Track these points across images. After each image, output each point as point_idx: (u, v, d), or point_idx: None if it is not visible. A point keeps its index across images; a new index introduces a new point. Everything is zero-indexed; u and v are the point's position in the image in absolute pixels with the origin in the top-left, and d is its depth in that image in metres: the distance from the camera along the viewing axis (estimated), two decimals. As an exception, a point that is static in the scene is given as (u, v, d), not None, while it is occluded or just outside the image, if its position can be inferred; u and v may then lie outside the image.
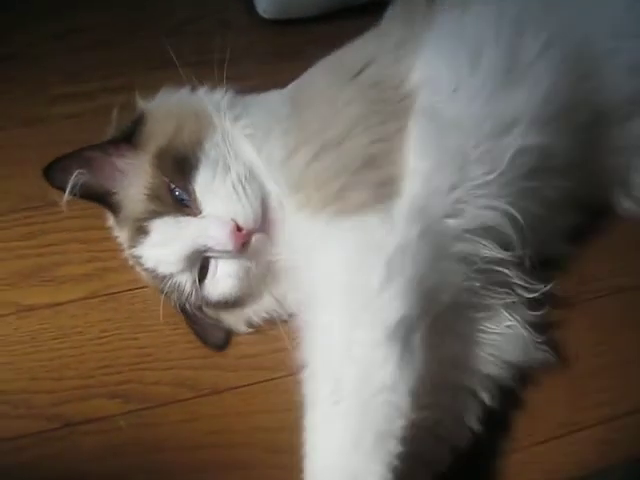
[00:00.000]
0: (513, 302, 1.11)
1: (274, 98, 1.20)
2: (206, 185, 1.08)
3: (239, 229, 1.06)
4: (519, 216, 1.06)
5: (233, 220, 1.06)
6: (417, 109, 1.07)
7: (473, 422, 1.06)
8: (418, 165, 1.04)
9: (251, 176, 1.09)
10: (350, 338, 0.94)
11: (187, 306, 1.15)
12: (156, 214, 1.09)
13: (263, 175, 1.11)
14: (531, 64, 1.09)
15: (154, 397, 1.14)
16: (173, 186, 1.09)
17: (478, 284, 1.08)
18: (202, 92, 1.19)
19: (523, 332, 1.10)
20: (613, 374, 1.17)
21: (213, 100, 1.17)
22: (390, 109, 1.08)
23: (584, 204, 1.25)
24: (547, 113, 1.09)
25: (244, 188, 1.07)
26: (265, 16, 1.76)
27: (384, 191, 1.02)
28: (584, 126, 1.16)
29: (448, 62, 1.10)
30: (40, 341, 1.20)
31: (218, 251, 1.08)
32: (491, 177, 1.05)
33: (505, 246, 1.08)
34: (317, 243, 1.02)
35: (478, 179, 1.04)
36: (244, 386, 1.15)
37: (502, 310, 1.10)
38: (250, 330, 1.20)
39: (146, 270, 1.14)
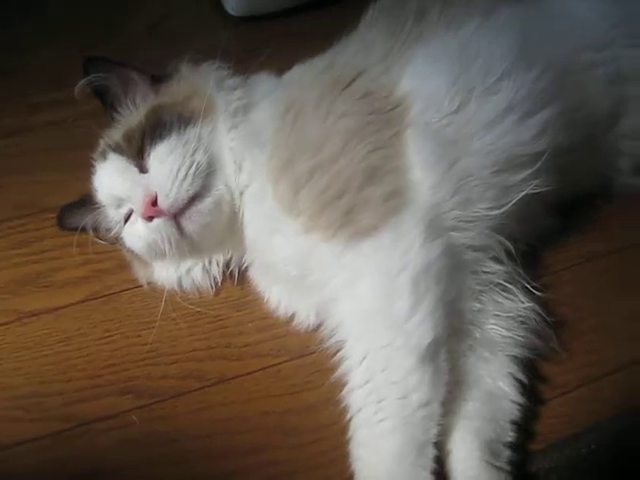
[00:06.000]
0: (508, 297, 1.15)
1: (268, 101, 1.21)
2: (161, 154, 1.13)
3: (154, 203, 1.11)
4: (511, 246, 1.12)
5: (156, 193, 1.11)
6: (412, 120, 1.09)
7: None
8: (423, 177, 1.06)
9: (206, 173, 1.14)
10: (386, 364, 1.01)
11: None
12: (119, 150, 1.18)
13: (221, 179, 1.16)
14: (535, 95, 1.10)
15: (163, 391, 1.17)
16: (145, 139, 1.15)
17: (484, 288, 1.12)
18: (231, 82, 1.24)
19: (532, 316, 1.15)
20: (596, 337, 1.22)
21: (232, 95, 1.22)
22: (383, 117, 1.10)
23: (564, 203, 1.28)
24: (558, 151, 1.11)
25: (185, 177, 1.12)
26: (234, 14, 1.77)
27: (392, 205, 1.05)
28: (578, 146, 1.18)
29: (445, 81, 1.09)
30: (45, 345, 1.23)
31: (133, 209, 1.16)
32: (493, 213, 1.08)
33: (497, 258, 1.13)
34: (337, 271, 1.06)
35: (480, 212, 1.08)
36: (249, 373, 1.19)
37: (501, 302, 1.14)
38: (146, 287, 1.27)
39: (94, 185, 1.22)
